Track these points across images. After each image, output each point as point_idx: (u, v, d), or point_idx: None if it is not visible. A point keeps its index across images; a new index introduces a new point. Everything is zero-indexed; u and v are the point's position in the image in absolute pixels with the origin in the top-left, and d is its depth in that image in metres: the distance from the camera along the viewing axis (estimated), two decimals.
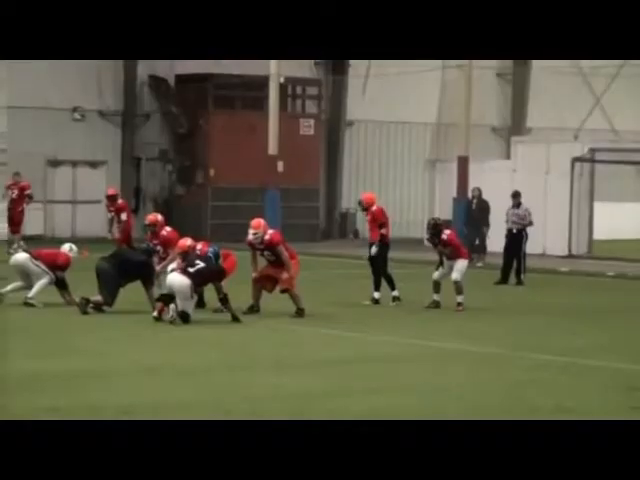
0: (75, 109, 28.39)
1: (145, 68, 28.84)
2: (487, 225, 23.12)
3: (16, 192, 24.15)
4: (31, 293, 14.19)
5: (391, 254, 15.90)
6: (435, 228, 15.01)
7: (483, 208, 23.07)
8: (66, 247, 14.73)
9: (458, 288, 14.93)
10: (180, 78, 29.21)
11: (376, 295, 15.38)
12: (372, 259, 15.44)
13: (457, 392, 9.24)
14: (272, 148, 26.76)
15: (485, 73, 29.75)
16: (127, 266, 13.79)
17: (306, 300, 14.26)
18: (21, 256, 14.64)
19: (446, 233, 15.01)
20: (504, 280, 18.91)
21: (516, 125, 32.47)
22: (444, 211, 26.41)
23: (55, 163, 28.31)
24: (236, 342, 11.95)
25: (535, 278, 19.65)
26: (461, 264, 14.99)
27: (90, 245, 22.07)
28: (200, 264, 13.21)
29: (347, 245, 27.97)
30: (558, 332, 13.36)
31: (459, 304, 14.93)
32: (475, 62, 25.14)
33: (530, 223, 19.31)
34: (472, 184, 24.12)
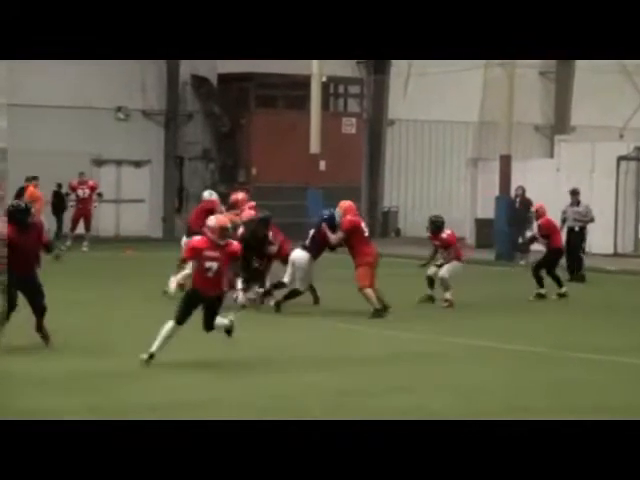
0: (119, 109, 28.64)
1: (188, 68, 29.01)
2: (530, 223, 23.02)
3: (87, 191, 24.93)
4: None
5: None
6: (434, 225, 15.06)
7: (526, 207, 23.00)
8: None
9: (444, 285, 15.03)
10: (222, 77, 29.34)
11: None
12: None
13: (494, 391, 9.21)
14: (314, 147, 26.81)
15: (528, 71, 29.54)
16: None
17: (346, 299, 14.29)
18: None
19: (447, 233, 15.14)
20: (572, 276, 18.84)
21: (560, 124, 32.23)
22: (486, 210, 26.32)
23: (99, 162, 28.58)
24: (271, 341, 11.98)
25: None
26: (454, 265, 15.08)
27: (134, 244, 22.25)
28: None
29: (389, 244, 27.91)
30: (601, 330, 13.27)
31: (446, 300, 14.94)
32: (517, 61, 24.97)
33: (591, 220, 19.39)
34: (515, 183, 24.01)
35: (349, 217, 14.19)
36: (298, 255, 14.18)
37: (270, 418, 7.69)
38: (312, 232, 14.29)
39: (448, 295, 14.96)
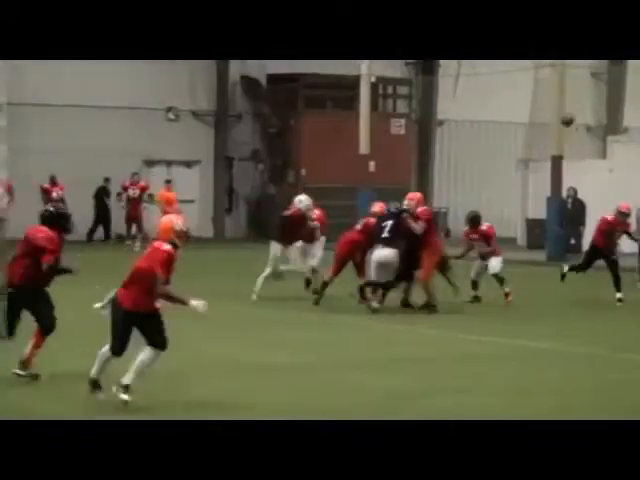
0: (169, 109, 28.84)
1: (237, 69, 29.14)
2: (583, 224, 22.95)
3: (137, 192, 25.27)
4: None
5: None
6: (473, 220, 15.06)
7: (579, 208, 22.95)
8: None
9: (500, 280, 15.04)
10: (272, 78, 29.43)
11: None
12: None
13: (544, 392, 9.14)
14: (363, 148, 26.80)
15: (579, 72, 29.28)
16: None
17: (394, 299, 14.26)
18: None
19: (486, 225, 15.15)
20: None
21: (612, 124, 31.88)
22: (537, 211, 26.13)
23: (151, 163, 28.80)
24: (319, 340, 11.95)
25: (636, 278, 19.33)
26: (496, 260, 15.10)
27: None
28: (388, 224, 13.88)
29: None
30: None
31: (507, 294, 14.93)
32: (569, 61, 24.76)
33: None
34: (567, 184, 23.85)
35: (423, 208, 14.33)
36: (386, 254, 13.87)
37: (318, 418, 7.69)
38: (390, 224, 13.93)
39: (507, 289, 14.98)
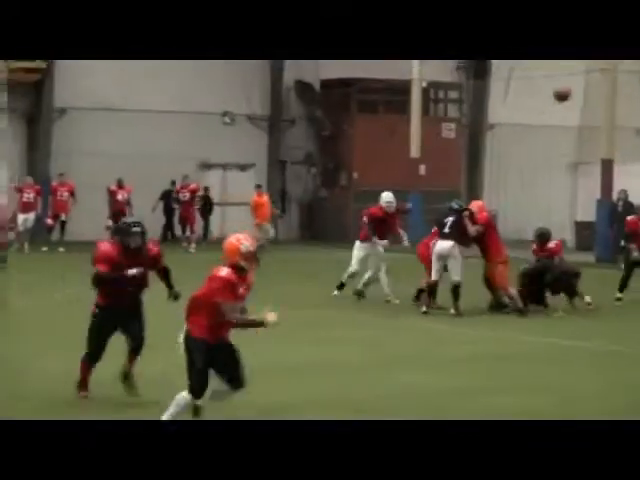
0: (225, 113, 29.30)
1: (291, 73, 29.53)
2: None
3: (187, 195, 25.68)
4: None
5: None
6: (543, 236, 15.03)
7: (629, 210, 22.99)
8: None
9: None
10: (325, 83, 29.80)
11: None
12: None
13: (588, 392, 9.27)
14: (414, 151, 27.11)
15: (630, 77, 29.32)
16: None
17: (443, 301, 14.37)
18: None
19: (554, 243, 15.07)
20: None
21: None
22: (587, 214, 26.24)
23: (206, 166, 29.30)
24: (366, 340, 12.06)
25: None
26: None
27: None
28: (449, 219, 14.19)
29: None
30: None
31: (589, 303, 14.86)
32: (619, 66, 24.87)
33: None
34: (617, 187, 23.96)
35: (484, 213, 14.64)
36: (444, 246, 14.07)
37: (367, 418, 7.71)
38: (451, 220, 14.20)
39: (588, 298, 14.90)
